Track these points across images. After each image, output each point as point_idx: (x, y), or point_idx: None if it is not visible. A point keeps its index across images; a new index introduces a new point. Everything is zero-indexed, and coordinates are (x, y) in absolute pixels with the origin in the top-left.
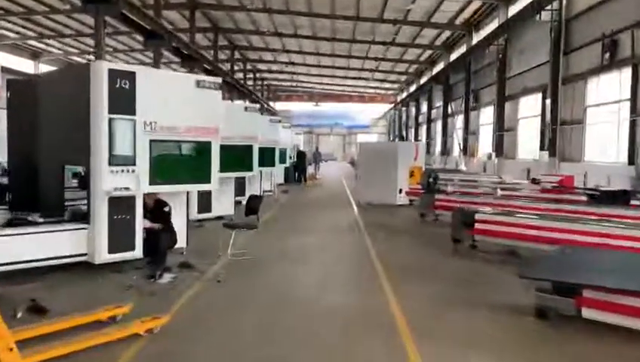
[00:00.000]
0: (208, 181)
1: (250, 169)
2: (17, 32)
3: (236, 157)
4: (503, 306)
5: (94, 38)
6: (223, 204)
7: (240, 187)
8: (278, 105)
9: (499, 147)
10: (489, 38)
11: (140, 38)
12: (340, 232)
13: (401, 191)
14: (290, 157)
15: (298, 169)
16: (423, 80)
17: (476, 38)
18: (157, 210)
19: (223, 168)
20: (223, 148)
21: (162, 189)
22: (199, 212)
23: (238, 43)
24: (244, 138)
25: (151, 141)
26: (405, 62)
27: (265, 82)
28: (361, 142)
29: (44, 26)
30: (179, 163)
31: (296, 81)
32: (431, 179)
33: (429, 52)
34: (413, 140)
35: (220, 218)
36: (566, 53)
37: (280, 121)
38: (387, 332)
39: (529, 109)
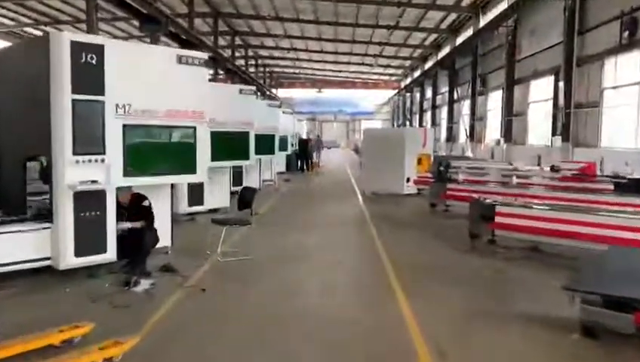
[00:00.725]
0: (193, 171)
1: (246, 157)
2: (12, 19)
3: (231, 144)
4: (537, 318)
5: (87, 23)
6: (217, 196)
7: (237, 177)
8: (281, 93)
9: (508, 133)
10: (498, 19)
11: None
12: (344, 226)
13: (408, 180)
14: (292, 145)
15: (301, 157)
16: (428, 65)
17: (484, 21)
18: (135, 205)
19: (217, 157)
20: (215, 135)
21: (138, 182)
22: (190, 205)
23: (239, 29)
24: (239, 124)
25: (124, 126)
26: (409, 47)
27: (267, 69)
28: (365, 128)
29: (39, 11)
30: (158, 152)
31: (299, 68)
32: (442, 168)
33: (434, 36)
34: (417, 126)
35: (214, 211)
36: (581, 32)
37: (280, 106)
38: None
39: (540, 93)
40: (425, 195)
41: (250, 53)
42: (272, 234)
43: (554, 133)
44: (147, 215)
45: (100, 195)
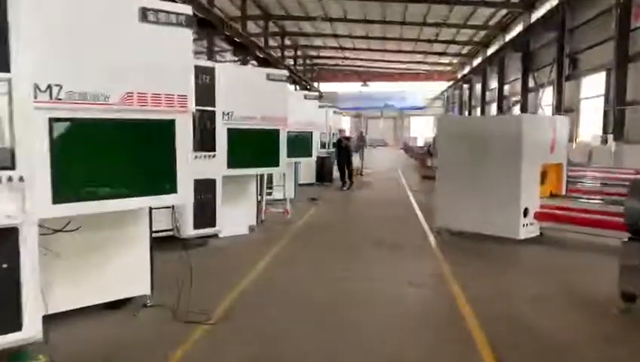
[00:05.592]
0: None
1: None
2: None
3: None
4: None
5: None
6: (119, 274)
7: (206, 206)
8: (323, 87)
9: (618, 128)
10: None
11: None
12: None
13: (526, 212)
14: (324, 146)
15: (341, 163)
16: (492, 50)
17: None
18: None
19: (96, 194)
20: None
21: None
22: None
23: (274, 13)
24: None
25: None
26: (471, 28)
27: (307, 60)
28: (441, 116)
29: None
30: None
31: (342, 58)
32: None
33: (502, 12)
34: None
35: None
36: None
37: (290, 83)
38: None
39: None
40: (552, 240)
41: (288, 42)
42: None
43: None
44: None
45: None
